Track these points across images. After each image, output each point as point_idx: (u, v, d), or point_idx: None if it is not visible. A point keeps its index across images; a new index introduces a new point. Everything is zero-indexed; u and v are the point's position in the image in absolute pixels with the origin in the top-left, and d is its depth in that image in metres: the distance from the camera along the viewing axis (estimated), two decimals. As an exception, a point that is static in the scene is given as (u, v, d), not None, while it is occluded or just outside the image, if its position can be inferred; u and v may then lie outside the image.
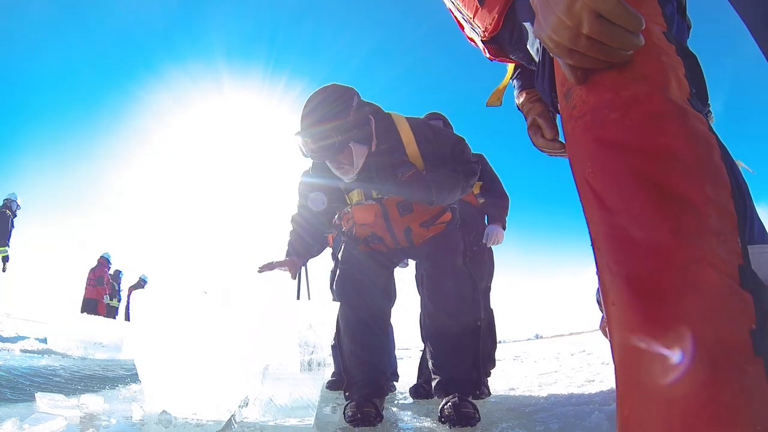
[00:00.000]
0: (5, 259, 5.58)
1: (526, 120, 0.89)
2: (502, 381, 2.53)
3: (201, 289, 1.33)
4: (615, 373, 0.43)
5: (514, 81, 0.96)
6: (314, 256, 1.61)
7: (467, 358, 1.37)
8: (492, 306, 2.12)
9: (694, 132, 0.42)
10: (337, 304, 1.47)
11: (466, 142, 1.49)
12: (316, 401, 1.27)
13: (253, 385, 1.24)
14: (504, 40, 0.83)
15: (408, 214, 1.41)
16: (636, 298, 0.40)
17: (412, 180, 1.34)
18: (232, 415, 1.18)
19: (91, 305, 7.51)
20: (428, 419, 1.36)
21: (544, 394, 1.87)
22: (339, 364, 2.16)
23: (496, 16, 0.78)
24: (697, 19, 0.69)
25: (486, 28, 0.82)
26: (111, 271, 8.68)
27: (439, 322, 1.41)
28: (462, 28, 0.95)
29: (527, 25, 0.69)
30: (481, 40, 0.87)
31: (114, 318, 8.03)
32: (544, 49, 0.62)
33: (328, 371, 2.27)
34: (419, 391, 1.91)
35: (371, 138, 1.33)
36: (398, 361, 2.47)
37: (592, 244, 0.46)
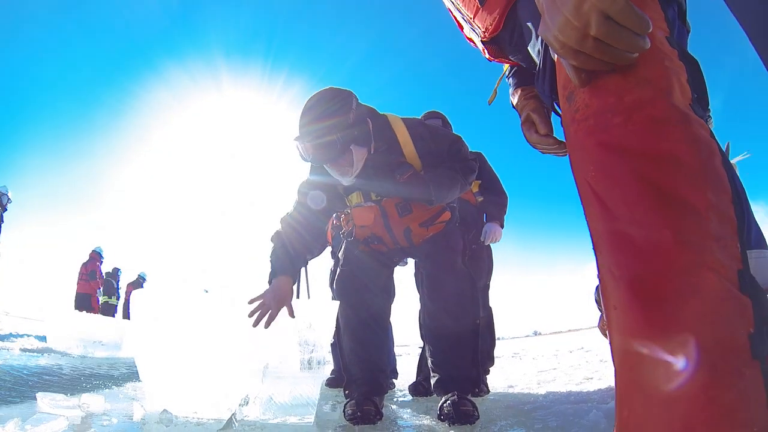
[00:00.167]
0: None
1: (520, 117, 0.89)
2: (500, 378, 2.55)
3: (201, 288, 1.33)
4: (615, 375, 0.44)
5: (509, 79, 0.96)
6: (315, 256, 1.57)
7: (466, 356, 1.38)
8: (491, 304, 2.13)
9: (697, 138, 0.42)
10: (336, 303, 1.47)
11: (463, 140, 1.49)
12: (316, 399, 1.28)
13: (254, 383, 1.24)
14: (504, 41, 0.83)
15: (407, 215, 1.41)
16: (637, 300, 0.41)
17: (410, 181, 1.34)
18: (233, 414, 1.18)
19: (85, 300, 7.42)
20: (427, 417, 1.37)
21: (542, 391, 1.88)
22: (338, 362, 2.17)
23: (497, 16, 0.78)
24: (692, 18, 0.69)
25: (486, 28, 0.82)
26: (110, 269, 8.66)
27: (438, 320, 1.41)
28: (461, 28, 0.95)
29: (530, 25, 0.69)
30: (481, 41, 0.87)
31: (113, 316, 8.01)
32: (545, 51, 0.62)
33: (328, 369, 2.27)
34: (418, 388, 1.92)
35: (370, 140, 1.33)
36: (397, 358, 2.48)
37: (593, 247, 0.47)
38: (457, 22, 0.94)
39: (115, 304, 8.51)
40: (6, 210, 5.63)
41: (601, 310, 1.69)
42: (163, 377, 1.23)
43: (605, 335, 1.78)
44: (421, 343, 1.80)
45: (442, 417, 1.22)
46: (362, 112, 1.33)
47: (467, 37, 0.95)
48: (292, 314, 1.23)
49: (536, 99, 0.86)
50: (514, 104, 0.92)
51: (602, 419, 1.08)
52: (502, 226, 2.11)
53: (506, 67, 0.98)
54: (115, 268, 8.80)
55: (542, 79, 0.64)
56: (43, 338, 3.89)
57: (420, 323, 1.60)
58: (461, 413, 1.18)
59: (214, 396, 1.20)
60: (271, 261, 1.34)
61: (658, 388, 0.38)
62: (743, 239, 0.40)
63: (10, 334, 4.81)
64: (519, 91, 0.90)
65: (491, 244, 2.14)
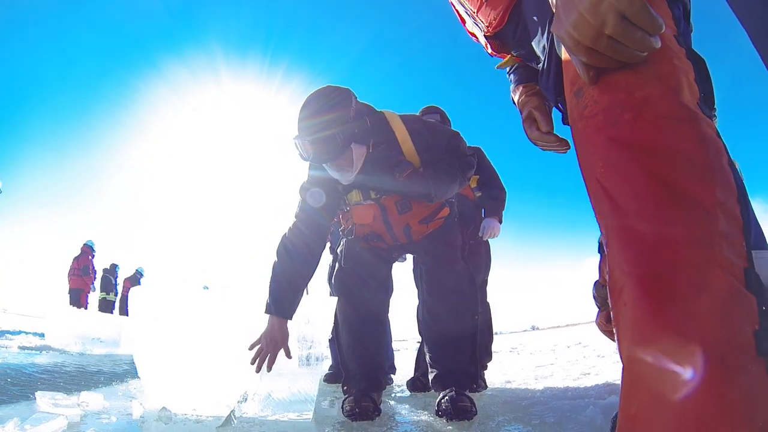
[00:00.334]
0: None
1: (521, 114, 0.89)
2: (498, 374, 2.56)
3: (200, 285, 1.33)
4: (622, 371, 0.44)
5: (511, 76, 0.96)
6: (318, 263, 1.42)
7: (464, 352, 1.38)
8: (489, 299, 2.13)
9: (705, 136, 0.42)
10: (334, 299, 1.47)
11: (461, 136, 1.48)
12: (314, 395, 1.28)
13: (252, 380, 1.24)
14: (507, 36, 0.82)
15: (407, 212, 1.41)
16: (647, 297, 0.41)
17: (409, 178, 1.33)
18: (232, 411, 1.18)
19: (78, 295, 7.35)
20: (425, 412, 1.37)
21: (540, 387, 1.89)
22: (337, 357, 2.17)
23: (501, 11, 0.77)
24: (694, 18, 0.68)
25: (490, 23, 0.81)
26: (108, 265, 8.62)
27: (437, 316, 1.42)
28: (463, 22, 0.94)
29: (535, 19, 0.69)
30: (484, 35, 0.87)
31: (111, 312, 7.99)
32: (551, 48, 0.62)
33: (326, 364, 2.28)
34: (416, 384, 1.92)
35: (369, 137, 1.31)
36: (395, 353, 2.49)
37: (605, 244, 0.47)
38: (460, 16, 0.93)
39: (113, 300, 8.49)
40: (-4, 201, 5.44)
41: (598, 306, 1.70)
42: (162, 375, 1.23)
43: (603, 331, 1.79)
44: (419, 339, 1.80)
45: (440, 413, 1.23)
46: (361, 109, 1.32)
47: (469, 32, 0.94)
48: (288, 356, 1.22)
49: (538, 96, 0.86)
50: (516, 101, 0.92)
51: (599, 415, 1.09)
52: (501, 222, 2.11)
53: (507, 60, 0.97)
54: (113, 264, 8.76)
55: (546, 75, 0.64)
56: (41, 335, 3.88)
57: (418, 319, 1.60)
58: (459, 409, 1.19)
59: (213, 393, 1.20)
60: (270, 290, 1.28)
61: (669, 385, 0.38)
62: (749, 238, 0.40)
63: (9, 332, 4.80)
64: (520, 88, 0.90)
65: (489, 240, 2.14)
